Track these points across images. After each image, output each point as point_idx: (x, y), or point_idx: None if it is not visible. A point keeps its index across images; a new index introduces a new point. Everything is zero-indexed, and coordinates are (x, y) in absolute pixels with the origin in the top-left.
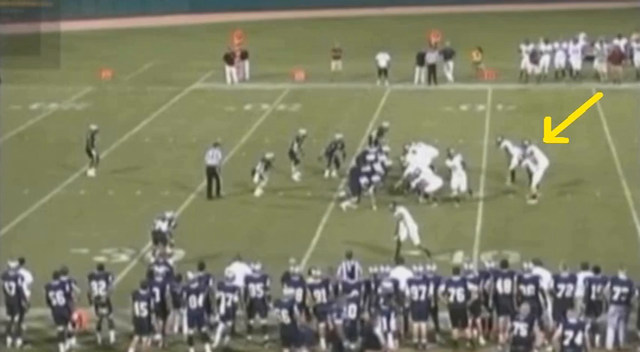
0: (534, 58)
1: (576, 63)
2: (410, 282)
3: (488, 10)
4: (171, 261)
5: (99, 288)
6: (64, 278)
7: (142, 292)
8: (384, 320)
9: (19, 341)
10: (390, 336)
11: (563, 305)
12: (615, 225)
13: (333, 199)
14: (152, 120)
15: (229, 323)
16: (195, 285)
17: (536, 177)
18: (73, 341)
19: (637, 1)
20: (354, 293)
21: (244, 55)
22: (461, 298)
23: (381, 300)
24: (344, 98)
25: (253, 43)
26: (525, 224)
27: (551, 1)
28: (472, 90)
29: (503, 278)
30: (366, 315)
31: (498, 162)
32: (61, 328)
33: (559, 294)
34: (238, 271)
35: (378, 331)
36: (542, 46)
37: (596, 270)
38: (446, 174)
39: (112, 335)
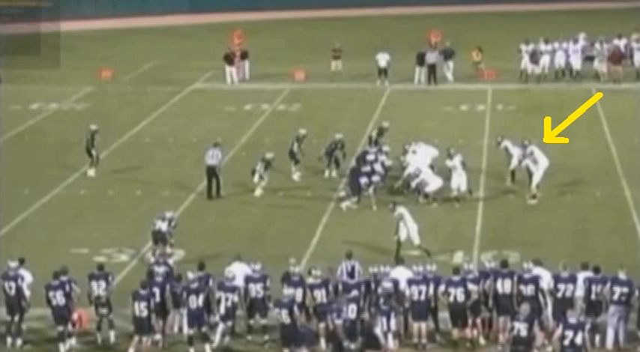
0: (534, 58)
1: (576, 63)
2: (410, 282)
3: (488, 10)
4: (171, 261)
5: (99, 288)
6: (64, 278)
7: (142, 292)
8: (384, 320)
9: (19, 341)
10: (390, 336)
11: (563, 305)
12: (615, 225)
13: (333, 199)
14: (152, 120)
15: (229, 323)
16: (195, 285)
17: (536, 177)
18: (73, 341)
19: (637, 1)
20: (354, 293)
21: (244, 55)
22: (461, 298)
23: (381, 300)
24: (344, 98)
25: (253, 43)
26: (525, 224)
27: (551, 1)
28: (472, 90)
29: (503, 278)
30: (366, 315)
31: (498, 162)
32: (61, 328)
33: (559, 294)
34: (238, 271)
35: (378, 331)
36: (542, 46)
37: (596, 270)
38: (446, 174)
39: (112, 335)
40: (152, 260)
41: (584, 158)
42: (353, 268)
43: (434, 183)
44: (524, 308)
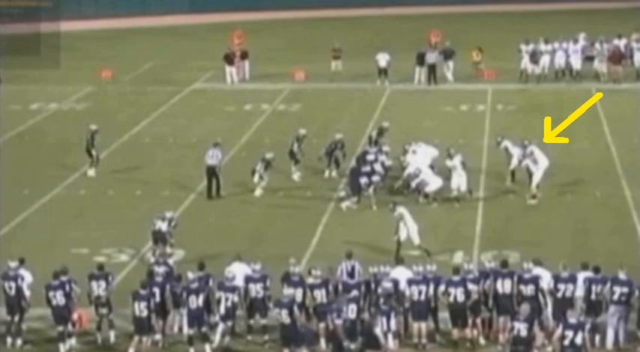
0: (534, 58)
1: (576, 63)
2: (410, 282)
3: (488, 10)
4: (171, 261)
5: (99, 288)
6: (64, 278)
7: (142, 292)
8: (384, 320)
9: (19, 341)
10: (390, 336)
11: (563, 305)
12: (615, 225)
13: (333, 199)
14: (152, 120)
15: (229, 323)
16: (195, 285)
17: (536, 177)
18: (73, 341)
19: (637, 1)
20: (354, 293)
21: (244, 55)
22: (461, 298)
23: (382, 300)
24: (344, 98)
25: (253, 43)
26: (525, 224)
27: (551, 1)
28: (472, 90)
29: (503, 278)
30: (366, 315)
31: (498, 162)
32: (61, 328)
33: (559, 294)
34: (238, 271)
35: (378, 331)
36: (542, 46)
37: (596, 270)
38: (446, 174)
39: (112, 335)
40: (152, 260)
41: (584, 158)
42: (353, 268)
43: (434, 183)
44: (525, 309)
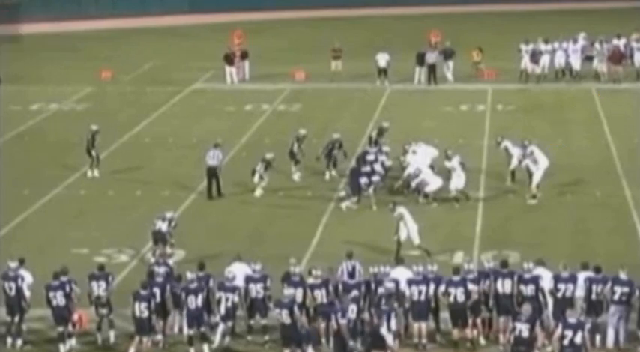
0: (534, 58)
1: (576, 63)
2: (410, 282)
3: (488, 10)
4: (171, 261)
5: (99, 288)
6: (64, 278)
7: (143, 292)
8: (384, 320)
9: (19, 342)
10: (390, 336)
11: (563, 305)
12: (615, 225)
13: (333, 199)
14: (152, 120)
15: (229, 324)
16: (193, 285)
17: (536, 177)
18: (73, 342)
19: (637, 1)
20: (355, 293)
21: (244, 55)
22: (461, 298)
23: (383, 300)
24: (344, 98)
25: (254, 43)
26: (525, 224)
27: (551, 1)
28: (472, 90)
29: (503, 278)
30: (365, 315)
31: (498, 162)
32: (61, 328)
33: (559, 294)
34: (238, 271)
35: (384, 331)
36: (542, 46)
37: (597, 270)
38: (446, 175)
39: (112, 335)
40: (152, 260)
41: (584, 158)
42: (353, 268)
43: (434, 183)
44: (526, 309)
